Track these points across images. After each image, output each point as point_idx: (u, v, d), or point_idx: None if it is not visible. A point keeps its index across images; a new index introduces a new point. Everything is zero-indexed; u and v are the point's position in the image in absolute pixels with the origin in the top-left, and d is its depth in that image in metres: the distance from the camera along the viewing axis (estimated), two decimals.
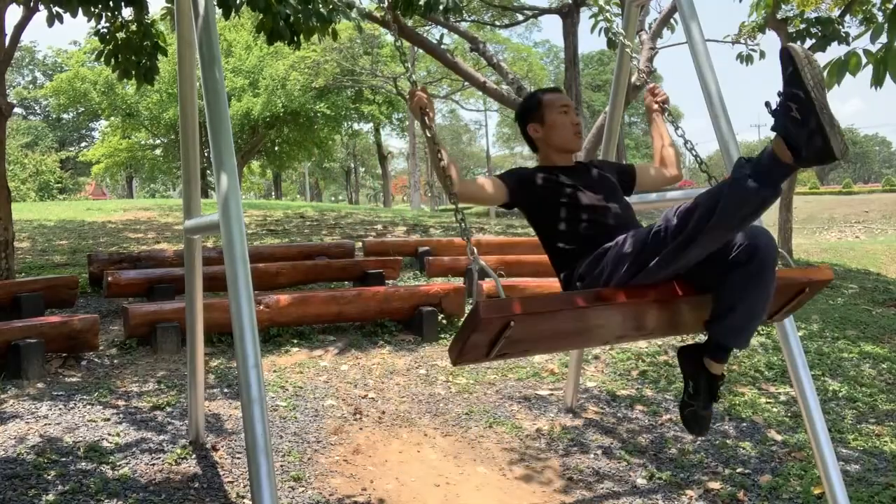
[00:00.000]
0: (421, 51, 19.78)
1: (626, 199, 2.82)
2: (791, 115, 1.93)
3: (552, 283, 6.87)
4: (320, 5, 5.94)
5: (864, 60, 3.70)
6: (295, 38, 5.92)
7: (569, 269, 2.60)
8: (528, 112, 2.84)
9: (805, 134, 1.91)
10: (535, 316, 2.08)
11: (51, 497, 3.21)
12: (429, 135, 2.54)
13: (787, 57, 1.94)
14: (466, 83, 21.71)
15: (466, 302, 6.57)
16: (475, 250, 2.25)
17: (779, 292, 2.41)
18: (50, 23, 5.94)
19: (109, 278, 6.51)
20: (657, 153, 3.07)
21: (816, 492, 3.55)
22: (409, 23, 14.16)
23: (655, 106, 3.11)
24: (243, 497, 3.38)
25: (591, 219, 2.60)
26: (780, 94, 1.99)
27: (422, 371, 5.35)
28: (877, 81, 3.67)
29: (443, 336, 6.11)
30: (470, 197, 2.68)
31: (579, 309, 2.16)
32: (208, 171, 23.51)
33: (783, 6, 10.67)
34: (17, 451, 3.67)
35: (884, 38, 3.66)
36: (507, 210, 2.84)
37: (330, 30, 6.14)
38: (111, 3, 6.01)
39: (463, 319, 2.27)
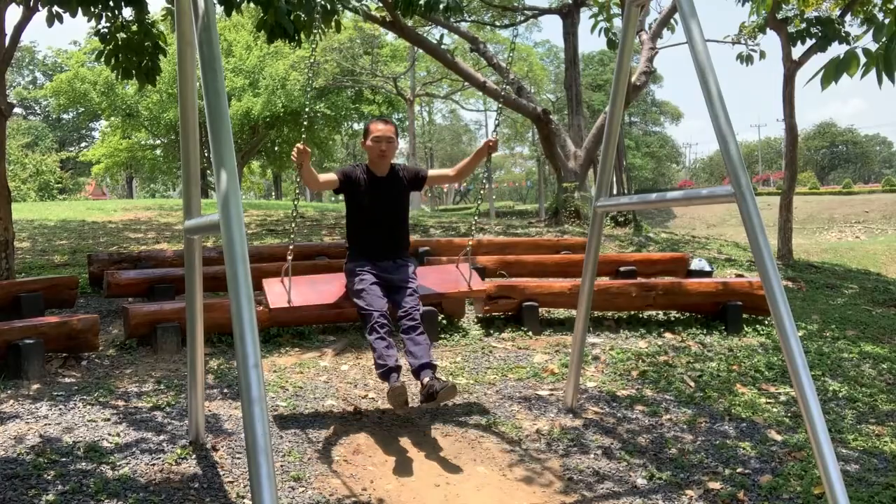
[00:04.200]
0: (421, 51, 19.77)
1: (407, 207, 4.55)
2: None
3: (552, 283, 6.89)
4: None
5: (862, 60, 3.68)
6: (296, 35, 5.90)
7: (348, 251, 4.44)
8: (363, 132, 4.44)
9: None
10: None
11: (50, 497, 3.21)
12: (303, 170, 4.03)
13: None
14: (466, 83, 21.71)
15: (466, 302, 6.58)
16: None
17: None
18: (50, 23, 5.94)
19: (109, 278, 6.51)
20: (462, 167, 4.61)
21: (816, 492, 3.55)
22: (410, 23, 14.16)
23: (486, 153, 4.47)
24: (243, 497, 3.38)
25: (365, 230, 4.35)
26: None
27: None
28: (881, 79, 3.65)
29: (443, 336, 6.12)
30: (319, 186, 4.30)
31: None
32: (208, 171, 23.51)
33: (783, 6, 10.67)
34: (17, 451, 3.67)
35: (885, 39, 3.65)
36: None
37: (333, 22, 6.11)
38: (111, 2, 6.01)
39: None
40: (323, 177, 4.27)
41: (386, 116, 5.07)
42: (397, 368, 3.94)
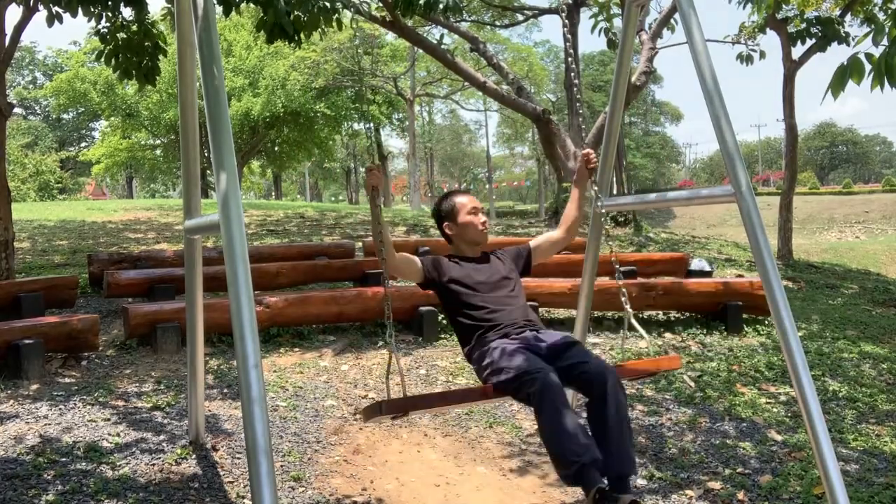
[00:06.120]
0: (421, 51, 19.77)
1: (521, 281, 3.25)
2: None
3: (552, 284, 6.88)
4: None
5: (867, 66, 3.65)
6: (296, 36, 5.89)
7: (467, 345, 3.07)
8: (445, 214, 3.26)
9: None
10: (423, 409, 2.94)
11: (50, 497, 3.21)
12: (377, 212, 2.89)
13: None
14: (466, 83, 21.71)
15: None
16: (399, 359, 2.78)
17: (633, 375, 3.11)
18: (50, 23, 5.94)
19: (109, 278, 6.51)
20: (567, 219, 3.40)
21: (816, 492, 3.55)
22: (409, 23, 14.15)
23: (587, 173, 3.37)
24: (243, 497, 3.37)
25: (483, 309, 3.04)
26: None
27: (422, 371, 5.35)
28: (879, 82, 3.62)
29: (443, 336, 6.11)
30: (398, 272, 3.10)
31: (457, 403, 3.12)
32: (208, 171, 23.50)
33: (783, 6, 10.66)
34: (17, 451, 3.67)
35: (885, 42, 3.62)
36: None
37: (334, 20, 6.08)
38: (111, 3, 6.00)
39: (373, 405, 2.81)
40: (403, 255, 3.10)
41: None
42: (596, 462, 2.54)
